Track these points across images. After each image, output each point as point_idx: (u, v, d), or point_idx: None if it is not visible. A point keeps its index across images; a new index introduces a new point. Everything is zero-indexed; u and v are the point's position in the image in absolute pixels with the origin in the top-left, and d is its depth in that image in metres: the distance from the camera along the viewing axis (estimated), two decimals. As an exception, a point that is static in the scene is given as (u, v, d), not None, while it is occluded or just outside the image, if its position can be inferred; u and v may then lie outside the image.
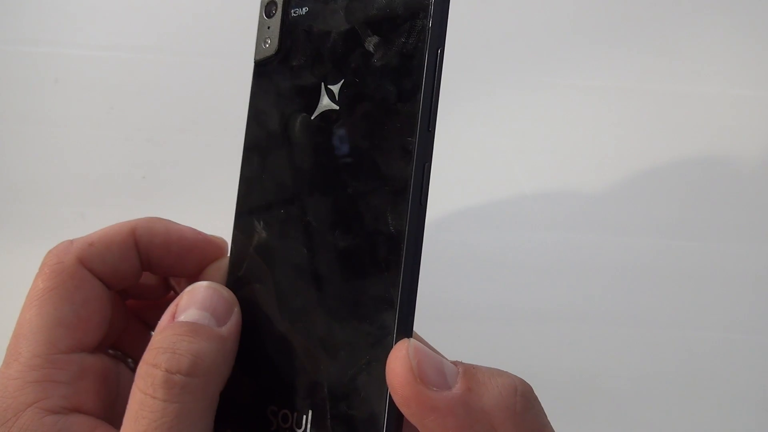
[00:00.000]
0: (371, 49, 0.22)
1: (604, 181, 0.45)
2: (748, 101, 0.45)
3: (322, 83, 0.23)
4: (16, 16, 0.48)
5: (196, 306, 0.23)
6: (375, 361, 0.21)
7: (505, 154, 0.46)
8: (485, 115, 0.46)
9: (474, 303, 0.43)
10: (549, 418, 0.21)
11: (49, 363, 0.23)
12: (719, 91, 0.46)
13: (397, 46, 0.22)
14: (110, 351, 0.28)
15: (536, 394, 0.21)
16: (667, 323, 0.42)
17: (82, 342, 0.24)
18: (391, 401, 0.20)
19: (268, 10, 0.25)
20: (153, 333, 0.23)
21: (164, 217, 0.27)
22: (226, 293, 0.24)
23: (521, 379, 0.20)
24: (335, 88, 0.23)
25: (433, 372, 0.20)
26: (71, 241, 0.25)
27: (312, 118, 0.23)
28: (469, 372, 0.20)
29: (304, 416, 0.22)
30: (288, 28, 0.25)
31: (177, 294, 0.29)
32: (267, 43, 0.25)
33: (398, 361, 0.20)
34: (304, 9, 0.24)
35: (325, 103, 0.23)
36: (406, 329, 0.21)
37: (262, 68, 0.25)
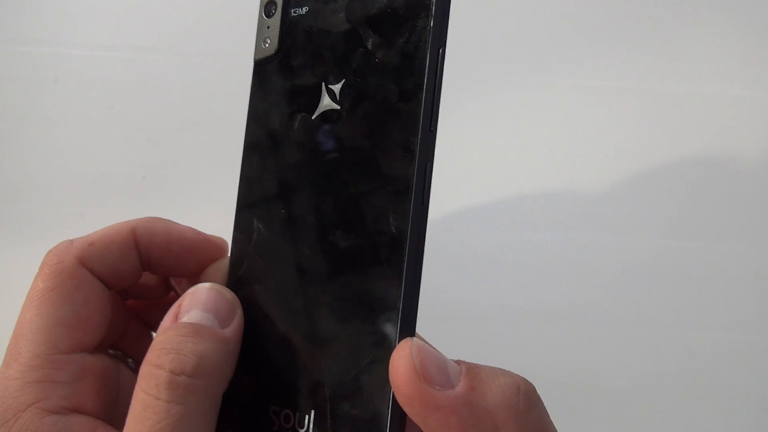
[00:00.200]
0: (372, 49, 0.22)
1: (604, 181, 0.45)
2: (748, 101, 0.45)
3: (323, 83, 0.23)
4: (16, 16, 0.48)
5: (199, 307, 0.23)
6: (378, 360, 0.21)
7: (506, 154, 0.46)
8: (485, 115, 0.46)
9: (474, 303, 0.43)
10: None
11: (49, 363, 0.23)
12: (719, 91, 0.46)
13: (399, 46, 0.22)
14: (110, 351, 0.28)
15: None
16: (667, 323, 0.42)
17: (82, 342, 0.24)
18: (394, 400, 0.20)
19: (267, 10, 0.25)
20: (155, 334, 0.23)
21: (164, 217, 0.27)
22: (229, 295, 0.24)
23: (524, 378, 0.20)
24: (336, 88, 0.23)
25: (436, 371, 0.20)
26: (71, 241, 0.25)
27: (312, 117, 0.23)
28: (472, 371, 0.20)
29: (307, 416, 0.22)
30: (288, 27, 0.25)
31: (177, 294, 0.29)
32: (267, 42, 0.25)
33: (401, 360, 0.20)
34: (304, 9, 0.24)
35: (326, 102, 0.23)
36: (408, 328, 0.21)
37: (261, 68, 0.25)
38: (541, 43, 0.47)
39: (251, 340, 0.24)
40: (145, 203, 0.46)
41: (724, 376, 0.42)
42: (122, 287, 0.27)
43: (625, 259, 0.43)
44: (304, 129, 0.24)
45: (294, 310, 0.23)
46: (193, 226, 0.27)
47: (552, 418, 0.21)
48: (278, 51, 0.25)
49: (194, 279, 0.27)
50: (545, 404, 0.21)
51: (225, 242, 0.27)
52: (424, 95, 0.21)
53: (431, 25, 0.21)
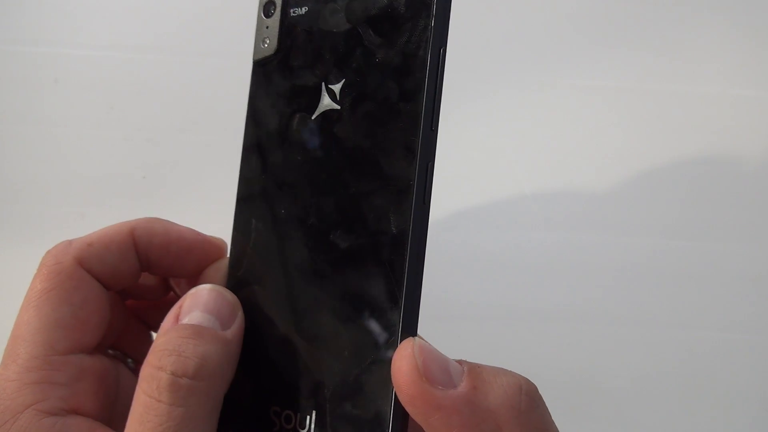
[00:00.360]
0: (373, 49, 0.22)
1: (604, 181, 0.45)
2: (748, 101, 0.45)
3: (323, 83, 0.23)
4: (16, 16, 0.48)
5: (200, 308, 0.23)
6: (380, 360, 0.21)
7: (506, 154, 0.46)
8: (485, 115, 0.46)
9: (474, 303, 0.43)
10: (550, 418, 0.21)
11: (47, 364, 0.23)
12: (719, 91, 0.46)
13: (399, 46, 0.22)
14: (110, 351, 0.28)
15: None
16: (667, 323, 0.42)
17: (81, 343, 0.24)
18: (397, 400, 0.20)
19: (266, 10, 0.25)
20: (155, 335, 0.23)
21: (164, 218, 0.27)
22: (230, 296, 0.24)
23: (526, 378, 0.20)
24: (336, 88, 0.23)
25: (438, 370, 0.20)
26: (69, 242, 0.25)
27: (312, 117, 0.23)
28: (474, 371, 0.20)
29: (308, 416, 0.22)
30: (287, 27, 0.25)
31: (177, 294, 0.29)
32: (266, 42, 0.25)
33: (404, 359, 0.20)
34: (303, 9, 0.24)
35: (326, 102, 0.23)
36: (410, 328, 0.21)
37: (260, 68, 0.25)
38: (541, 43, 0.47)
39: (252, 340, 0.24)
40: (145, 203, 0.46)
41: (724, 376, 0.42)
42: (121, 288, 0.27)
43: (625, 259, 0.43)
44: (304, 129, 0.24)
45: (294, 310, 0.23)
46: (193, 227, 0.27)
47: (552, 417, 0.21)
48: (277, 51, 0.25)
49: (193, 280, 0.27)
50: (545, 404, 0.21)
51: (224, 243, 0.27)
52: (425, 95, 0.21)
53: (432, 24, 0.21)
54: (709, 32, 0.46)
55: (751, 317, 0.42)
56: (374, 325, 0.21)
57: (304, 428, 0.22)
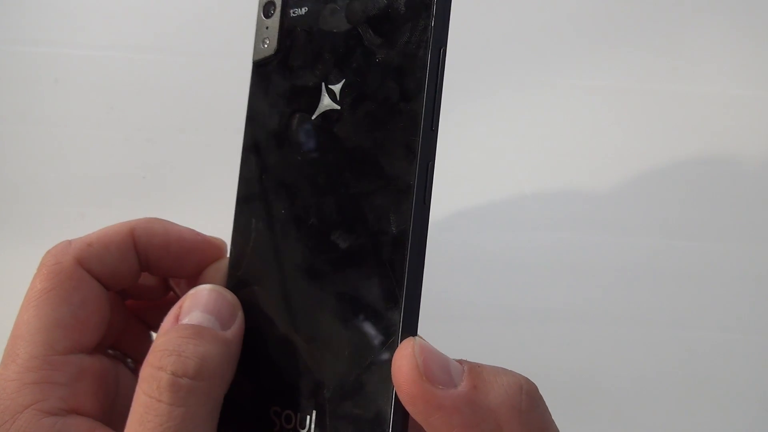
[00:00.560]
0: (373, 49, 0.22)
1: (604, 181, 0.45)
2: (748, 101, 0.45)
3: (323, 83, 0.23)
4: (16, 16, 0.48)
5: (200, 309, 0.23)
6: (380, 360, 0.21)
7: (506, 154, 0.46)
8: (485, 115, 0.46)
9: (473, 303, 0.43)
10: (550, 418, 0.21)
11: (47, 364, 0.23)
12: (719, 91, 0.46)
13: (400, 46, 0.22)
14: (110, 351, 0.28)
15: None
16: (667, 323, 0.42)
17: (80, 343, 0.24)
18: (397, 400, 0.20)
19: (266, 11, 0.25)
20: (155, 335, 0.23)
21: (164, 218, 0.27)
22: (230, 296, 0.24)
23: (526, 377, 0.21)
24: (336, 88, 0.23)
25: (438, 370, 0.20)
26: (69, 242, 0.25)
27: (312, 118, 0.23)
28: (475, 370, 0.20)
29: (308, 416, 0.22)
30: (287, 28, 0.25)
31: (177, 295, 0.29)
32: (265, 43, 0.25)
33: (404, 359, 0.20)
34: (303, 9, 0.24)
35: (326, 103, 0.23)
36: (411, 328, 0.21)
37: (260, 68, 0.25)
38: (541, 43, 0.47)
39: (252, 340, 0.24)
40: (145, 203, 0.46)
41: (724, 376, 0.42)
42: (121, 288, 0.27)
43: (625, 259, 0.43)
44: (304, 129, 0.24)
45: (295, 310, 0.23)
46: (192, 227, 0.27)
47: (552, 417, 0.21)
48: (277, 51, 0.25)
49: (193, 280, 0.27)
50: (545, 404, 0.21)
51: (224, 243, 0.27)
52: (425, 95, 0.21)
53: (432, 24, 0.21)
54: (709, 32, 0.46)
55: (751, 317, 0.42)
56: (375, 325, 0.21)
57: (304, 428, 0.22)
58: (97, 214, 0.45)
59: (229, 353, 0.22)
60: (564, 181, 0.45)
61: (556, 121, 0.46)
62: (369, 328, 0.21)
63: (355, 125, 0.22)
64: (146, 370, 0.21)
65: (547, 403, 0.21)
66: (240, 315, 0.24)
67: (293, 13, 0.24)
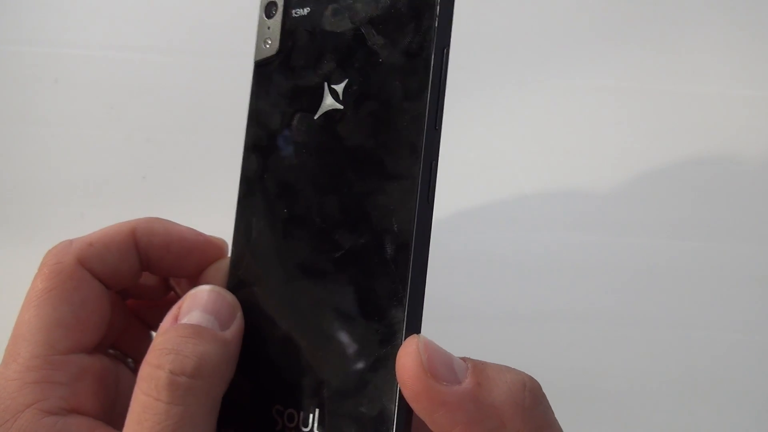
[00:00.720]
0: (376, 49, 0.22)
1: (604, 181, 0.45)
2: (748, 101, 0.45)
3: (326, 83, 0.23)
4: (16, 16, 0.48)
5: (199, 309, 0.23)
6: (384, 357, 0.21)
7: (505, 154, 0.46)
8: (485, 115, 0.46)
9: (473, 303, 0.43)
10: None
11: (47, 364, 0.23)
12: (719, 91, 0.46)
13: (403, 46, 0.22)
14: (110, 351, 0.28)
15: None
16: (667, 323, 0.42)
17: (81, 343, 0.24)
18: (401, 397, 0.20)
19: (268, 11, 0.25)
20: (155, 334, 0.23)
21: (164, 218, 0.27)
22: (230, 297, 0.24)
23: (530, 375, 0.21)
24: (339, 88, 0.23)
25: (442, 367, 0.20)
26: (70, 241, 0.25)
27: (315, 118, 0.23)
28: (478, 367, 0.20)
29: (311, 415, 0.22)
30: (289, 28, 0.25)
31: (177, 294, 0.29)
32: (267, 43, 0.25)
33: (408, 356, 0.20)
34: (305, 9, 0.24)
35: (329, 102, 0.23)
36: (415, 326, 0.21)
37: (262, 69, 0.25)
38: (541, 43, 0.47)
39: (254, 339, 0.24)
40: (145, 203, 0.46)
41: (724, 376, 0.42)
42: (122, 287, 0.27)
43: (626, 259, 0.43)
44: (307, 129, 0.24)
45: (297, 309, 0.23)
46: (193, 227, 0.27)
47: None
48: (279, 51, 0.25)
49: (194, 280, 0.27)
50: (548, 401, 0.21)
51: (225, 243, 0.27)
52: (429, 94, 0.21)
53: (436, 24, 0.21)
54: (709, 32, 0.46)
55: (751, 317, 0.42)
56: (378, 323, 0.21)
57: (306, 427, 0.22)
58: (97, 214, 0.45)
59: (228, 353, 0.22)
60: (564, 181, 0.45)
61: (557, 121, 0.46)
62: (373, 326, 0.21)
63: (359, 125, 0.22)
64: (145, 369, 0.21)
65: (547, 402, 0.21)
66: (239, 316, 0.24)
67: (295, 13, 0.25)
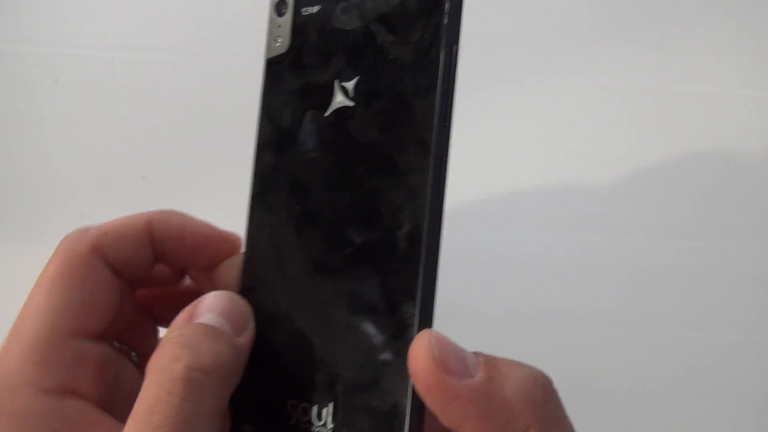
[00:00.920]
0: (386, 46, 0.23)
1: (604, 181, 0.45)
2: (748, 101, 0.45)
3: (336, 80, 0.24)
4: (16, 16, 0.48)
5: (215, 312, 0.23)
6: (397, 352, 0.21)
7: (505, 154, 0.46)
8: (485, 115, 0.46)
9: (473, 303, 0.43)
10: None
11: (49, 345, 0.23)
12: (719, 91, 0.46)
13: (413, 43, 0.22)
14: (115, 344, 0.28)
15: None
16: (667, 323, 0.43)
17: (86, 328, 0.24)
18: (414, 391, 0.20)
19: (278, 9, 0.26)
20: (167, 329, 0.23)
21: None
22: (243, 304, 0.24)
23: (541, 371, 0.21)
24: (349, 85, 0.23)
25: (455, 361, 0.20)
26: (87, 229, 0.25)
27: (325, 115, 0.24)
28: (490, 362, 0.20)
29: (325, 409, 0.22)
30: (299, 26, 0.25)
31: (191, 280, 0.29)
32: (278, 41, 0.25)
33: (421, 350, 0.20)
34: (315, 7, 0.25)
35: (339, 100, 0.23)
36: (427, 320, 0.21)
37: (273, 66, 0.25)
38: (541, 43, 0.47)
39: (268, 334, 0.24)
40: (146, 203, 0.46)
41: (724, 376, 0.42)
42: (133, 277, 0.27)
43: (626, 259, 0.43)
44: (317, 126, 0.24)
45: (310, 304, 0.23)
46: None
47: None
48: (290, 49, 0.25)
49: (207, 272, 0.27)
50: (560, 397, 0.21)
51: (239, 238, 0.28)
52: (439, 91, 0.21)
53: (446, 22, 0.21)
54: (709, 32, 0.47)
55: (751, 317, 0.42)
56: (390, 318, 0.21)
57: (321, 421, 0.22)
58: (97, 214, 0.45)
59: (240, 359, 0.23)
60: (564, 181, 0.45)
61: (557, 121, 0.46)
62: (385, 321, 0.21)
63: (369, 121, 0.23)
64: (159, 361, 0.21)
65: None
66: (251, 324, 0.24)
67: (305, 11, 0.25)
